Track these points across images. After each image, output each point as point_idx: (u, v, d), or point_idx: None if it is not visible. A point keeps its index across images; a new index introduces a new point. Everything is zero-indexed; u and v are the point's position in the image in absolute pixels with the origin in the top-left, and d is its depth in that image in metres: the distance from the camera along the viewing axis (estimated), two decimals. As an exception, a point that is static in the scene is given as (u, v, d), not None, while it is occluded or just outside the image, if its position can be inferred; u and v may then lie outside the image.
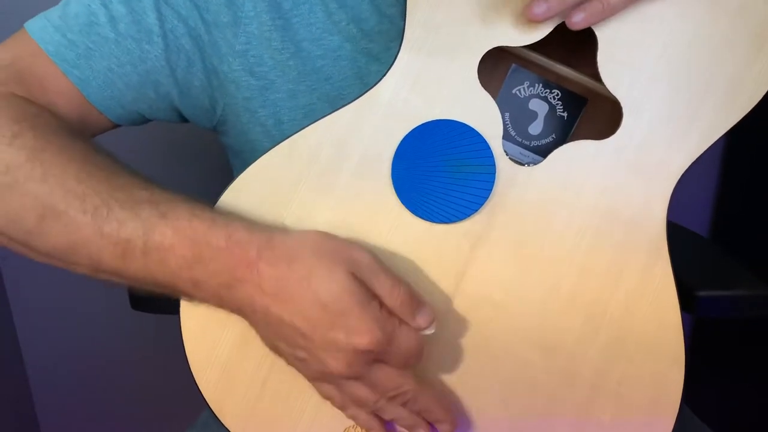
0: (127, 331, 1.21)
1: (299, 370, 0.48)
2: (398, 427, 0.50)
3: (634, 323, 0.49)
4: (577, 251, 0.49)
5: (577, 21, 0.45)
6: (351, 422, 0.50)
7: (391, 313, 0.46)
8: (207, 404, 0.51)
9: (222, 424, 0.51)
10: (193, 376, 0.51)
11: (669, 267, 0.49)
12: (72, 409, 1.30)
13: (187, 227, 0.46)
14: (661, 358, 0.49)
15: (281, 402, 0.50)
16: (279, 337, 0.47)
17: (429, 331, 0.47)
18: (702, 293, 0.65)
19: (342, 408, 0.49)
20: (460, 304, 0.49)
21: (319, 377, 0.48)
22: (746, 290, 0.68)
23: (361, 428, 0.50)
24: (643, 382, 0.49)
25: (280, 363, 0.49)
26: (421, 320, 0.46)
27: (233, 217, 0.48)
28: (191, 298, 0.49)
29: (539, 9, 0.45)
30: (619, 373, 0.49)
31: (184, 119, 0.61)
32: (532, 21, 0.46)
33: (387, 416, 0.49)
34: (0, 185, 0.47)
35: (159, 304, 0.69)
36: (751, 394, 1.10)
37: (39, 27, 0.55)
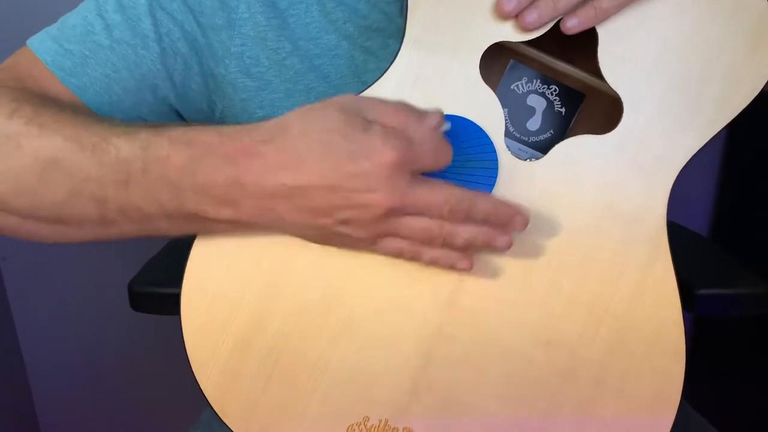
0: (128, 331, 1.21)
1: (354, 239, 0.46)
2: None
3: (635, 318, 0.49)
4: (578, 247, 0.49)
5: (571, 26, 0.47)
6: (355, 420, 0.50)
7: (395, 127, 0.44)
8: (209, 404, 0.51)
9: (224, 423, 0.51)
10: (194, 375, 0.50)
11: (670, 262, 0.49)
12: (72, 409, 1.30)
13: (182, 134, 0.45)
14: (662, 354, 0.49)
15: (284, 400, 0.50)
16: (312, 214, 0.45)
17: (446, 127, 0.45)
18: (702, 291, 0.65)
19: (417, 257, 0.47)
20: (462, 301, 0.50)
21: (375, 231, 0.45)
22: (746, 288, 0.68)
23: (446, 267, 0.48)
24: (644, 377, 0.50)
25: (285, 359, 0.49)
26: (431, 119, 0.45)
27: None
28: (203, 223, 0.47)
29: (531, 18, 0.46)
30: (621, 369, 0.49)
31: (185, 122, 0.61)
32: (526, 30, 0.47)
33: (461, 240, 0.46)
34: (1, 154, 0.47)
35: (159, 306, 0.69)
36: (751, 392, 1.10)
37: (38, 40, 0.56)
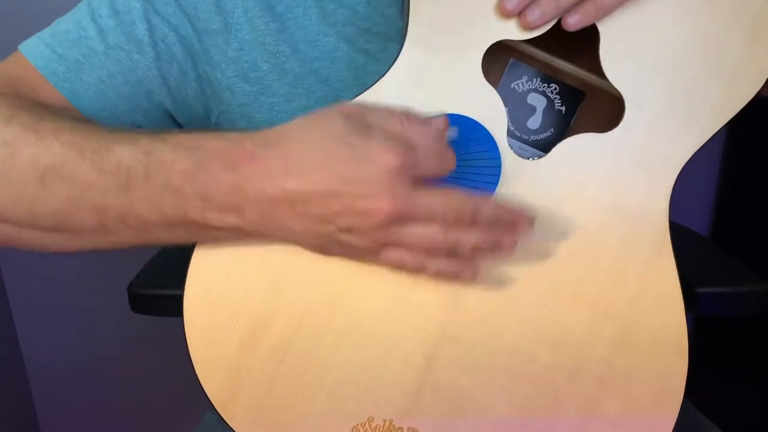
0: (128, 331, 1.21)
1: (356, 248, 0.46)
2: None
3: (638, 316, 0.49)
4: (581, 245, 0.49)
5: (572, 23, 0.46)
6: (359, 420, 0.51)
7: (397, 134, 0.43)
8: (212, 405, 0.51)
9: (228, 425, 0.51)
10: (197, 376, 0.50)
11: (672, 260, 0.49)
12: (72, 410, 1.30)
13: (184, 140, 0.45)
14: (666, 351, 0.49)
15: (288, 401, 0.50)
16: (313, 221, 0.44)
17: (452, 133, 0.45)
18: (702, 290, 0.65)
19: (421, 267, 0.46)
20: (466, 301, 0.50)
21: (376, 241, 0.45)
22: (746, 287, 0.68)
23: (452, 278, 0.47)
24: (648, 375, 0.50)
25: (289, 360, 0.49)
26: (436, 122, 0.44)
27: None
28: (205, 232, 0.46)
29: (533, 16, 0.46)
30: (624, 367, 0.50)
31: (180, 127, 0.61)
32: (528, 28, 0.47)
33: (466, 247, 0.45)
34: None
35: (158, 307, 0.69)
36: (752, 390, 1.10)
37: (31, 45, 0.55)
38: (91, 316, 1.22)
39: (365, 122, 0.43)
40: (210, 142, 0.44)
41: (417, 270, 0.46)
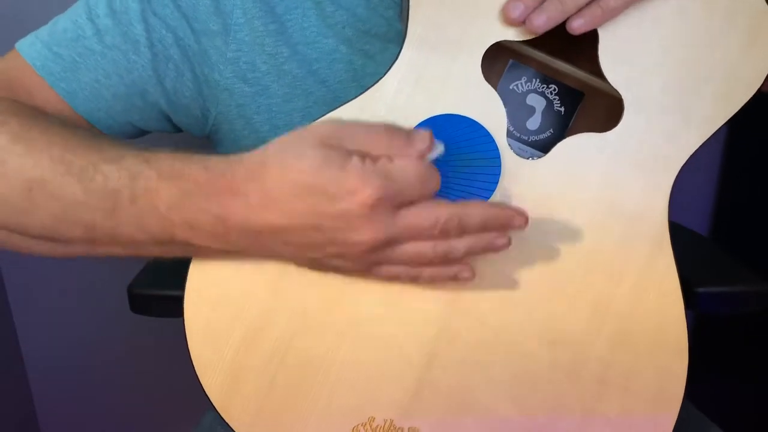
0: (129, 331, 1.21)
1: (348, 268, 0.46)
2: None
3: (638, 316, 0.49)
4: (581, 244, 0.49)
5: (578, 26, 0.46)
6: (360, 420, 0.51)
7: (376, 158, 0.42)
8: (212, 406, 0.51)
9: (228, 425, 0.51)
10: (197, 377, 0.50)
11: (672, 259, 0.49)
12: (72, 410, 1.30)
13: (170, 167, 0.45)
14: (665, 350, 0.50)
15: (289, 401, 0.50)
16: (301, 248, 0.45)
17: (436, 153, 0.43)
18: (702, 290, 0.65)
19: (416, 277, 0.47)
20: (466, 300, 0.50)
21: (366, 262, 0.45)
22: (746, 287, 0.68)
23: (450, 281, 0.47)
24: (647, 374, 0.50)
25: (289, 360, 0.49)
26: (418, 144, 0.42)
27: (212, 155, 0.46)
28: (195, 247, 0.46)
29: (539, 21, 0.46)
30: (624, 366, 0.50)
31: (177, 128, 0.61)
32: (533, 32, 0.46)
33: (458, 252, 0.45)
34: None
35: (159, 308, 0.69)
36: (752, 390, 1.10)
37: (27, 44, 0.55)
38: (91, 317, 1.22)
39: (344, 145, 0.42)
40: (194, 171, 0.44)
41: (412, 280, 0.47)
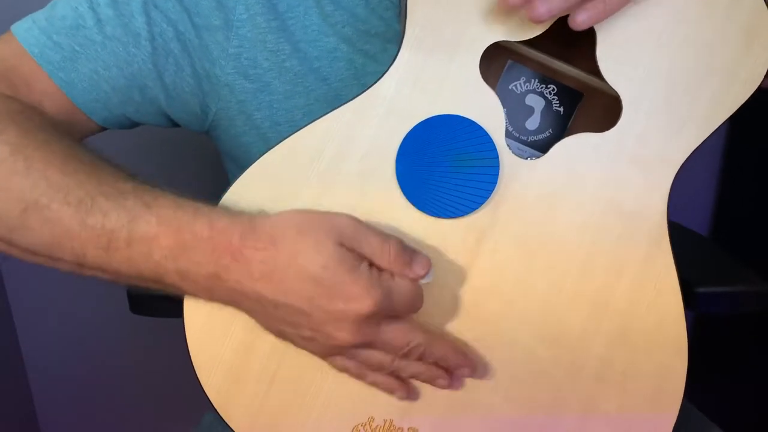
0: (129, 331, 1.21)
1: (309, 349, 0.48)
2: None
3: (637, 314, 0.49)
4: (580, 243, 0.49)
5: (581, 21, 0.45)
6: (359, 420, 0.51)
7: (382, 270, 0.46)
8: (212, 406, 0.51)
9: (228, 426, 0.51)
10: (197, 378, 0.50)
11: (671, 258, 0.49)
12: (72, 410, 1.30)
13: (172, 216, 0.45)
14: (665, 349, 0.50)
15: (289, 401, 0.50)
16: (279, 322, 0.47)
17: (427, 279, 0.47)
18: (702, 290, 0.65)
19: (360, 377, 0.49)
20: (466, 298, 0.50)
21: (330, 352, 0.48)
22: (746, 287, 0.68)
23: (384, 391, 0.50)
24: (647, 373, 0.50)
25: (288, 360, 0.49)
26: (417, 268, 0.46)
27: (217, 208, 0.47)
28: (181, 291, 0.48)
29: (542, 9, 0.44)
30: (623, 365, 0.50)
31: (173, 123, 0.61)
32: (534, 21, 0.46)
33: (406, 374, 0.49)
34: None
35: (159, 308, 0.69)
36: (751, 390, 1.10)
37: (24, 29, 0.55)
38: (91, 317, 1.22)
39: (358, 247, 0.45)
40: (198, 225, 0.45)
41: (356, 377, 0.49)
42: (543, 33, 0.47)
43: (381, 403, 0.50)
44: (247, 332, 0.49)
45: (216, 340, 0.50)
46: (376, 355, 0.47)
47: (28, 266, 1.21)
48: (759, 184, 1.09)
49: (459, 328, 0.50)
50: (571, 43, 0.50)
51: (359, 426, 0.51)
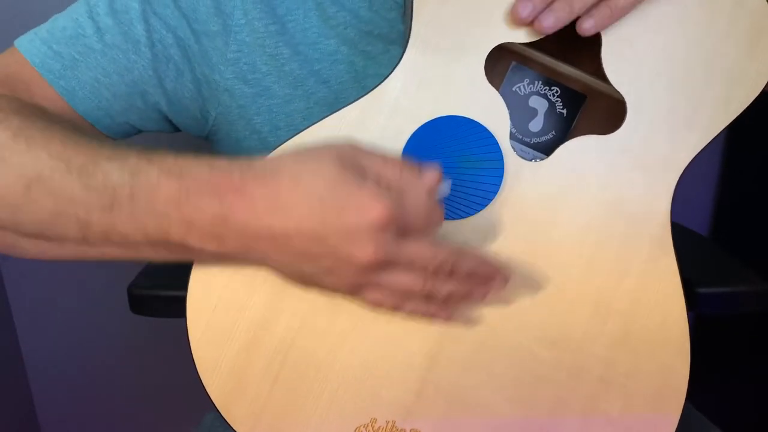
0: (129, 331, 1.21)
1: (336, 287, 0.46)
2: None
3: (639, 316, 0.50)
4: (583, 245, 0.49)
5: (587, 27, 0.46)
6: (362, 421, 0.51)
7: (389, 184, 0.44)
8: (215, 407, 0.51)
9: (230, 426, 0.51)
10: (200, 378, 0.50)
11: (673, 260, 0.50)
12: (72, 410, 1.30)
13: (172, 164, 0.44)
14: (667, 349, 0.50)
15: (291, 402, 0.50)
16: (298, 258, 0.45)
17: (443, 192, 0.45)
18: (702, 290, 0.65)
19: (397, 307, 0.47)
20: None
21: (357, 280, 0.45)
22: (746, 287, 0.68)
23: (426, 317, 0.48)
24: (649, 374, 0.50)
25: (291, 360, 0.49)
26: (428, 177, 0.44)
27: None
28: (189, 251, 0.46)
29: (548, 21, 0.45)
30: (625, 366, 0.50)
31: (175, 129, 0.61)
32: (542, 33, 0.46)
33: (441, 294, 0.46)
34: None
35: (159, 308, 0.69)
36: (752, 391, 1.10)
37: (26, 40, 0.55)
38: (91, 317, 1.22)
39: (360, 165, 0.43)
40: (198, 169, 0.44)
41: (393, 309, 0.47)
42: (547, 35, 0.47)
43: (383, 405, 0.50)
44: (250, 333, 0.49)
45: (219, 340, 0.50)
46: (405, 278, 0.45)
47: (28, 266, 1.22)
48: (759, 184, 1.09)
49: (460, 331, 0.50)
50: (574, 45, 0.50)
51: (361, 427, 0.51)
